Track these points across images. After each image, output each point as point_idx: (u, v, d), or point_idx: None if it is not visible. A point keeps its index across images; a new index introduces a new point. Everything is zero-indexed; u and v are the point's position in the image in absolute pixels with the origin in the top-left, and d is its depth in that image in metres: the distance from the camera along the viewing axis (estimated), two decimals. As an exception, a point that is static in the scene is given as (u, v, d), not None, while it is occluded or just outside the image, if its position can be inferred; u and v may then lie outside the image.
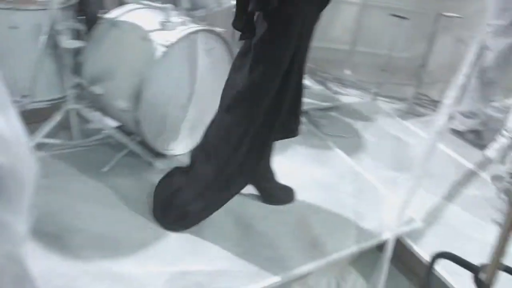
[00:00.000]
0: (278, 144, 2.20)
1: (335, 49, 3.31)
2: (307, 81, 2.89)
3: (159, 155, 1.95)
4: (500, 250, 0.84)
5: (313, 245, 1.63)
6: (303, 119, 2.48)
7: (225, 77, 2.04)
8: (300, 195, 1.85)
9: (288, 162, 2.08)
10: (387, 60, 2.89)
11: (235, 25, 1.51)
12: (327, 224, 1.74)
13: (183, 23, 1.80)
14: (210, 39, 1.87)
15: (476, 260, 0.94)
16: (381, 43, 3.01)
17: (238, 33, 1.79)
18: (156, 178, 1.86)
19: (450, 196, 2.07)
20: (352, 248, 1.64)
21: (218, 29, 1.88)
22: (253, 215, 1.73)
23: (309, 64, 3.25)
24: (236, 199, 1.82)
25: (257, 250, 1.58)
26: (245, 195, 1.83)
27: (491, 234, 0.86)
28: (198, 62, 1.90)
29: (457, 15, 2.68)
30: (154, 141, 1.88)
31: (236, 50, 1.77)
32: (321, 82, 3.05)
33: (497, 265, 0.86)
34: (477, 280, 0.90)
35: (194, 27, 1.79)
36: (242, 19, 1.47)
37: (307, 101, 2.66)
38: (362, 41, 3.27)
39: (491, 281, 0.87)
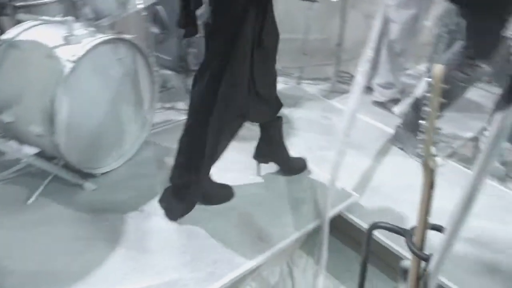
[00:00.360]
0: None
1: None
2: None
3: (87, 175, 1.86)
4: (424, 212, 0.89)
5: (259, 238, 1.64)
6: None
7: (143, 84, 1.98)
8: (238, 190, 1.85)
9: (223, 157, 2.07)
10: (305, 43, 2.96)
11: (178, 23, 1.58)
12: (270, 215, 1.76)
13: (88, 35, 1.71)
14: (120, 48, 1.80)
15: (412, 222, 0.99)
16: (297, 28, 3.06)
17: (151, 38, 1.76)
18: (88, 199, 1.78)
19: (379, 164, 2.17)
20: (296, 234, 1.67)
21: (127, 36, 1.81)
22: (195, 219, 1.70)
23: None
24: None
25: (205, 254, 1.56)
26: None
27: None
28: (112, 73, 1.82)
29: (363, -8, 2.81)
30: (79, 162, 1.79)
31: (152, 54, 1.74)
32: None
33: (424, 226, 0.91)
34: (410, 243, 0.95)
35: (101, 37, 1.71)
36: (185, 17, 1.53)
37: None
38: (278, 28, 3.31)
39: (421, 242, 0.92)
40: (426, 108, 0.77)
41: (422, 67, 3.16)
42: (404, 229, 0.96)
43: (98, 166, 1.89)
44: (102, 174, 1.90)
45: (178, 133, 2.24)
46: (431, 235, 0.96)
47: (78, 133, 1.77)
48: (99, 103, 1.82)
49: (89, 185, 1.83)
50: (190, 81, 2.61)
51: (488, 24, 1.81)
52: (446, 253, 0.62)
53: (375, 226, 1.03)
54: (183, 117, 2.37)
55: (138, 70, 1.92)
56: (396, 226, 0.98)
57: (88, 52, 1.65)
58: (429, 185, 0.85)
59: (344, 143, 1.81)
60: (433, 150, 0.80)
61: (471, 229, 1.79)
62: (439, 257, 0.61)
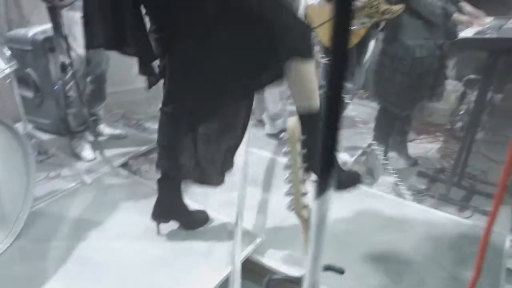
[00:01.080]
0: (106, 205, 2.05)
1: (140, 88, 3.25)
2: (118, 131, 2.76)
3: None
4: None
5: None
6: (124, 171, 2.36)
7: (15, 158, 1.79)
8: (139, 256, 1.73)
9: (122, 221, 1.94)
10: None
11: (140, 71, 1.55)
12: (176, 275, 1.65)
13: None
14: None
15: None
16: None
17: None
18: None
19: (280, 196, 2.19)
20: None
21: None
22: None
23: (118, 110, 3.13)
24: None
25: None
26: None
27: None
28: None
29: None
30: None
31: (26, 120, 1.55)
32: (136, 126, 2.95)
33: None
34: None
35: None
36: (145, 66, 1.52)
37: (124, 151, 2.54)
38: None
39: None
40: (288, 161, 0.77)
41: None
42: (297, 277, 0.95)
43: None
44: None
45: (66, 203, 2.07)
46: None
47: None
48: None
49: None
50: (74, 144, 2.48)
51: None
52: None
53: (269, 280, 1.00)
54: (71, 184, 2.21)
55: (5, 144, 1.74)
56: (290, 276, 0.97)
57: None
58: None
59: (244, 184, 1.80)
60: (303, 201, 0.80)
61: (375, 245, 1.87)
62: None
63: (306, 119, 1.52)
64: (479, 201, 2.28)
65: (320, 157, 0.37)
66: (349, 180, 1.78)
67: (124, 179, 2.29)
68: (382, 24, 2.24)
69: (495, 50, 1.95)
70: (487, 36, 1.91)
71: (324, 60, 2.05)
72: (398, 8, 1.96)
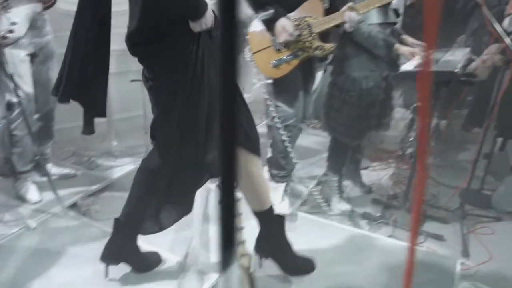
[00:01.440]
0: (51, 251, 1.95)
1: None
2: (67, 170, 2.65)
3: None
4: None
5: None
6: (72, 213, 2.26)
7: None
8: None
9: (68, 268, 1.84)
10: (145, 120, 2.90)
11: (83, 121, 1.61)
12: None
13: None
14: None
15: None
16: (136, 106, 3.01)
17: None
18: None
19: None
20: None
21: None
22: None
23: (69, 147, 3.02)
24: None
25: None
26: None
27: None
28: None
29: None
30: None
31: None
32: (88, 163, 2.85)
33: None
34: None
35: None
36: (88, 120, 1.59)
37: (73, 191, 2.44)
38: (117, 109, 3.21)
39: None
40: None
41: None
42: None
43: None
44: None
45: (7, 251, 1.94)
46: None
47: None
48: None
49: None
50: (19, 185, 2.35)
51: None
52: None
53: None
54: (13, 230, 2.07)
55: None
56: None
57: None
58: (249, 282, 0.82)
59: (198, 222, 1.76)
60: (242, 249, 0.78)
61: (330, 278, 1.85)
62: None
63: (260, 215, 1.56)
64: (431, 226, 2.32)
65: (219, 232, 0.35)
66: (302, 267, 1.76)
67: (72, 221, 2.18)
68: (330, 57, 2.32)
69: (434, 82, 2.04)
70: (426, 69, 2.00)
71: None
72: (329, 46, 2.08)
